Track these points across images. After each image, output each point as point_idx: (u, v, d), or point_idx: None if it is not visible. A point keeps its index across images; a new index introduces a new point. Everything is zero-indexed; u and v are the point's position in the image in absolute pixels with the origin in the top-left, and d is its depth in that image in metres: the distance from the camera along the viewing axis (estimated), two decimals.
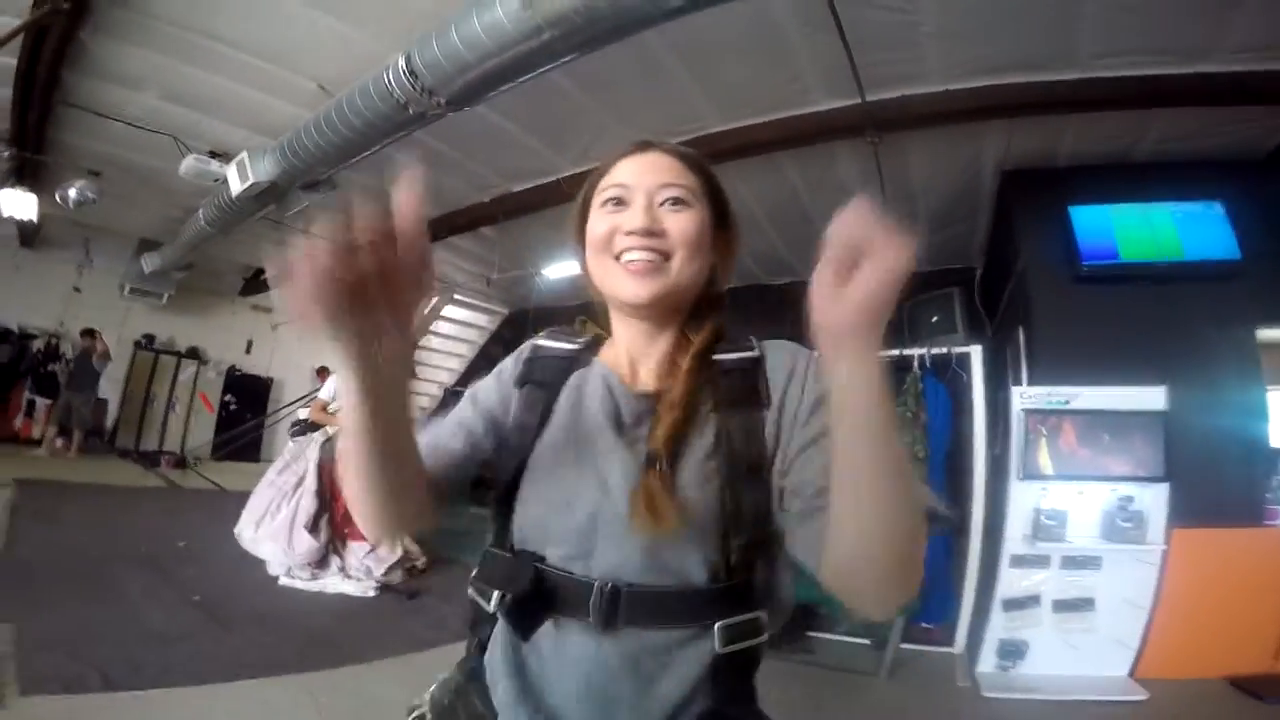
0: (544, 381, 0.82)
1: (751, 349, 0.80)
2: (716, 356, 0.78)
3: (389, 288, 0.53)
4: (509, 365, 0.88)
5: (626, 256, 0.78)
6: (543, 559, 0.73)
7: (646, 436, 0.74)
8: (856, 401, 0.55)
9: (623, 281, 0.78)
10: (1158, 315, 3.57)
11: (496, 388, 0.85)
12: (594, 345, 0.87)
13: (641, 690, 0.69)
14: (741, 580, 0.71)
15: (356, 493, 0.68)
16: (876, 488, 0.57)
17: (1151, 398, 3.33)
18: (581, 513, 0.72)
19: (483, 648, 0.80)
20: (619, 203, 0.80)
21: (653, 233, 0.77)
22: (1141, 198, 3.77)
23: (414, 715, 0.80)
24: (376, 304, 0.53)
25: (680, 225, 0.78)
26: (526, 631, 0.72)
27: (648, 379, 0.81)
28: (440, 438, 0.80)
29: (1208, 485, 3.28)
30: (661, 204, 0.79)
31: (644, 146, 0.84)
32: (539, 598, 0.71)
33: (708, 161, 0.86)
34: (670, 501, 0.67)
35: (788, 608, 0.77)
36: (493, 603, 0.75)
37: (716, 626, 0.69)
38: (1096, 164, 3.99)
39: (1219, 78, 3.11)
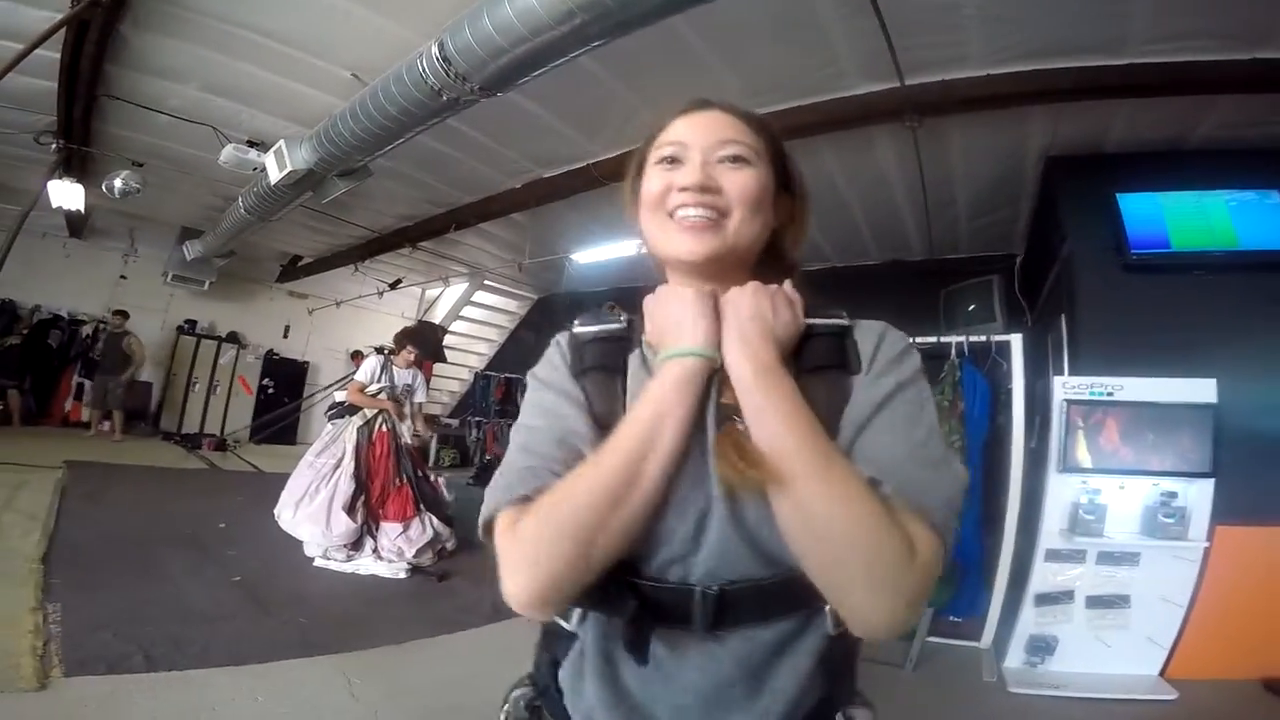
0: (608, 365, 0.76)
1: (840, 315, 0.76)
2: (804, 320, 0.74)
3: None
4: (556, 363, 0.79)
5: (680, 213, 0.74)
6: (634, 569, 0.66)
7: (717, 396, 0.69)
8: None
9: (676, 239, 0.75)
10: (1210, 306, 3.44)
11: (561, 394, 0.75)
12: (636, 324, 0.81)
13: (756, 691, 0.66)
14: None
15: (613, 533, 0.61)
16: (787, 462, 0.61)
17: (1201, 390, 3.21)
18: (693, 511, 0.66)
19: (555, 663, 0.74)
20: (674, 160, 0.77)
21: (708, 189, 0.73)
22: (1195, 185, 3.63)
23: None
24: None
25: (738, 183, 0.74)
26: (643, 656, 0.66)
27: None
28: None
29: (1255, 482, 3.17)
30: (719, 161, 0.75)
31: (702, 104, 0.80)
32: (648, 617, 0.65)
33: (768, 122, 0.81)
34: (756, 448, 0.62)
35: None
36: (574, 621, 0.70)
37: (828, 609, 0.65)
38: (1147, 150, 3.85)
39: (1278, 64, 2.96)
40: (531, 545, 0.61)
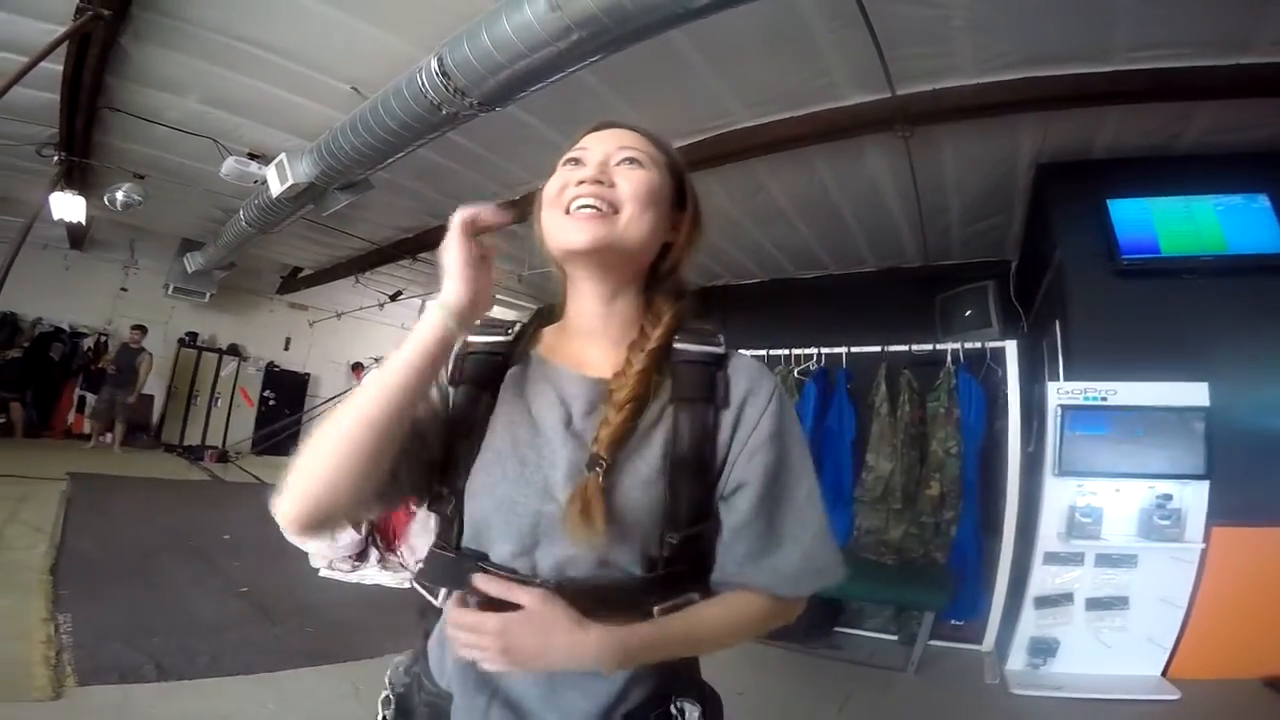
0: (479, 379, 0.81)
1: (716, 344, 0.80)
2: (678, 345, 0.79)
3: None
4: (441, 370, 0.85)
5: (574, 205, 0.78)
6: (485, 557, 0.74)
7: (594, 434, 0.74)
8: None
9: (567, 228, 0.78)
10: (1200, 310, 3.47)
11: (436, 386, 0.82)
12: (526, 335, 0.87)
13: (586, 673, 0.71)
14: (680, 569, 0.74)
15: (341, 455, 0.67)
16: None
17: (1193, 394, 3.25)
18: (525, 513, 0.72)
19: (427, 634, 0.83)
20: (576, 163, 0.82)
21: (600, 181, 0.78)
22: (1183, 190, 3.68)
23: (382, 698, 0.83)
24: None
25: (631, 179, 0.79)
26: None
27: (601, 362, 0.81)
28: None
29: (1250, 483, 3.20)
30: (617, 164, 0.80)
31: (610, 123, 0.86)
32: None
33: (670, 143, 0.88)
34: (602, 509, 0.68)
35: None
36: (440, 598, 0.78)
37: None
38: (1136, 156, 3.89)
39: (1261, 69, 3.01)
40: (291, 475, 0.68)
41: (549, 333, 0.88)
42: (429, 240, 7.22)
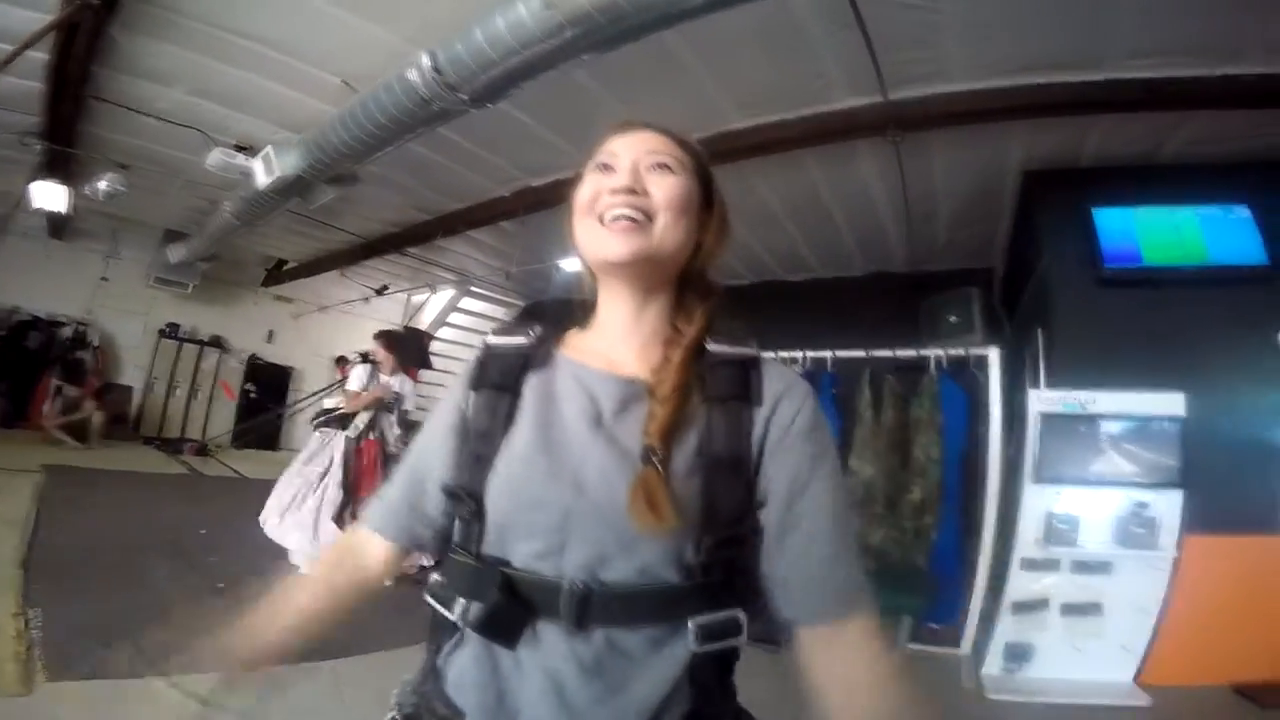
0: (501, 384, 0.80)
1: (748, 345, 0.80)
2: (710, 348, 0.78)
3: None
4: (461, 378, 0.85)
5: (609, 215, 0.77)
6: (508, 563, 0.72)
7: (642, 428, 0.72)
8: None
9: (605, 240, 0.78)
10: (1181, 320, 3.52)
11: (453, 400, 0.83)
12: (548, 339, 0.85)
13: (615, 691, 0.68)
14: (718, 578, 0.70)
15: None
16: None
17: (1170, 404, 3.29)
18: (553, 511, 0.70)
19: (439, 649, 0.77)
20: (606, 168, 0.81)
21: (635, 191, 0.77)
22: (1166, 200, 3.73)
23: (388, 719, 0.79)
24: None
25: (664, 186, 0.78)
26: (510, 641, 0.70)
27: (631, 362, 0.80)
28: (415, 506, 0.84)
29: (1224, 492, 3.25)
30: (648, 169, 0.79)
31: (635, 124, 0.85)
32: (514, 606, 0.70)
33: (697, 143, 0.86)
34: (668, 497, 0.66)
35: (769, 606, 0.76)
36: (456, 611, 0.72)
37: (691, 624, 0.68)
38: (1121, 165, 3.95)
39: (1248, 80, 3.06)
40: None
41: (574, 335, 0.87)
42: (417, 234, 7.18)
